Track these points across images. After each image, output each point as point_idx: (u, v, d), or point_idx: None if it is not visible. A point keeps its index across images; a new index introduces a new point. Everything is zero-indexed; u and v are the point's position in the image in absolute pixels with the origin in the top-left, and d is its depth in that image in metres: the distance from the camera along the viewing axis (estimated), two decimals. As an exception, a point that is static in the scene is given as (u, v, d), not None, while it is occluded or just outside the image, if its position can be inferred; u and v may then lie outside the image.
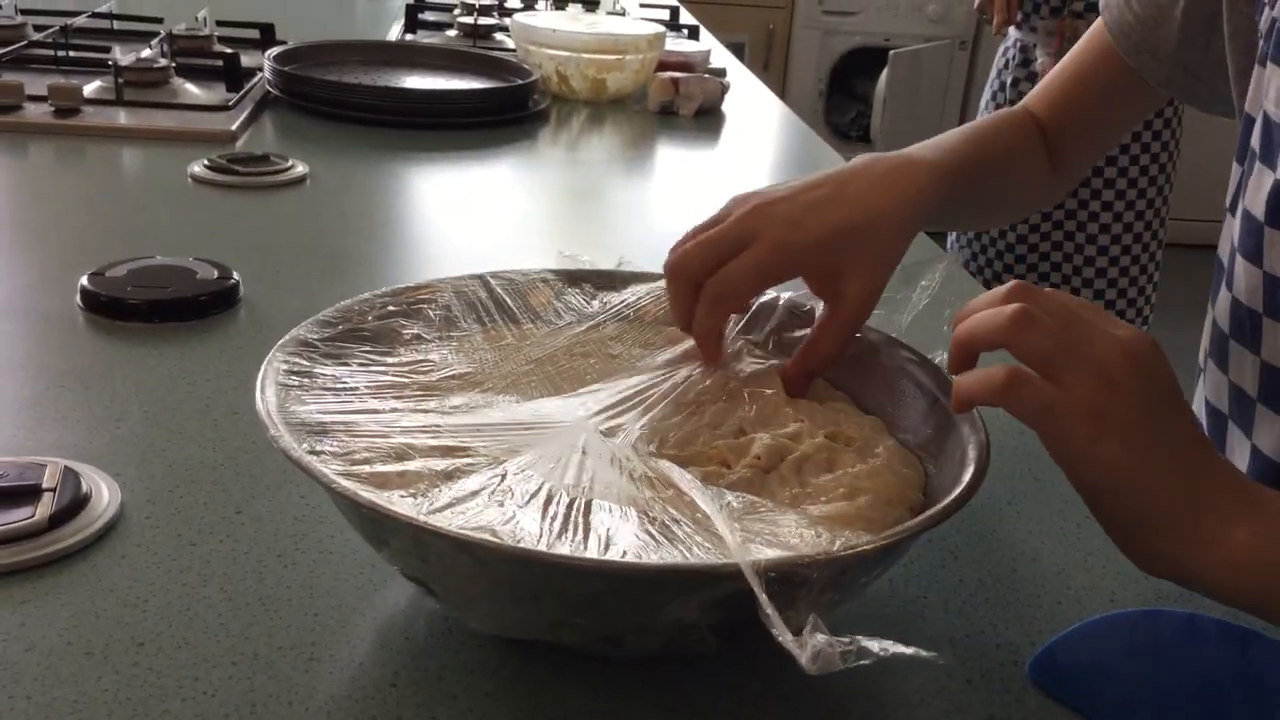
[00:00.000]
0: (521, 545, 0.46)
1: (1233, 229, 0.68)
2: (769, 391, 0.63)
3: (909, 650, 0.42)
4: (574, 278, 0.71)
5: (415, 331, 0.65)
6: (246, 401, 0.72)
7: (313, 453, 0.51)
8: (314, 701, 0.49)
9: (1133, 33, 0.80)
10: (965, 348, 0.53)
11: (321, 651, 0.52)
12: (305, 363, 0.58)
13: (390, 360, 0.62)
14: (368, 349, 0.62)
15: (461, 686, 0.51)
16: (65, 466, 0.61)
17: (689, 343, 0.65)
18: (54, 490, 0.59)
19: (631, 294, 0.70)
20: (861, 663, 0.41)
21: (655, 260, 0.69)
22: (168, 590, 0.55)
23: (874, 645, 0.42)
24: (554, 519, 0.48)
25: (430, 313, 0.66)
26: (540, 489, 0.50)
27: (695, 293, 0.63)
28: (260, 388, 0.54)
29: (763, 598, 0.42)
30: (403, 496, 0.50)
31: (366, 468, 0.51)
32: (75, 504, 0.59)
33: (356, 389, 0.58)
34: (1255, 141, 0.65)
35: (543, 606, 0.48)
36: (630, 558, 0.46)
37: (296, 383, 0.57)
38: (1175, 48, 0.78)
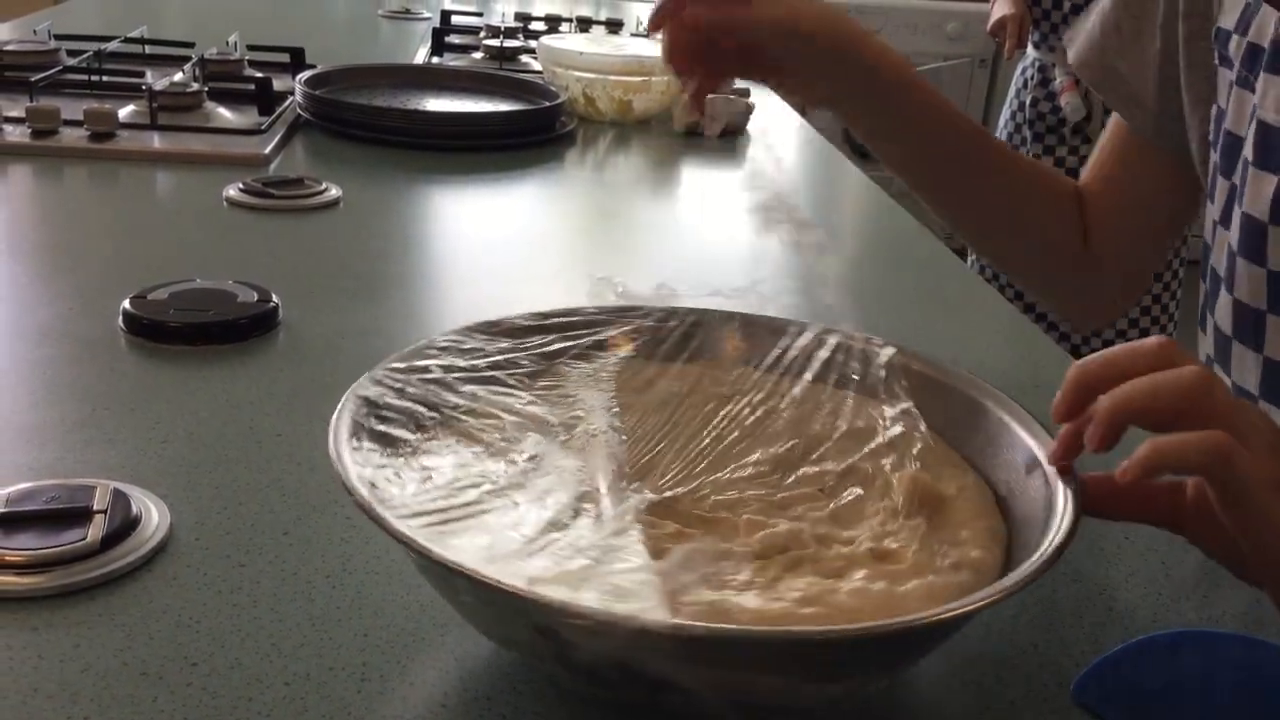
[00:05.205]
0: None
1: (1228, 239, 0.72)
2: (874, 499, 0.57)
3: None
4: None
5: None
6: (289, 424, 0.74)
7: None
8: (366, 722, 0.50)
9: (1120, 86, 0.83)
10: (1137, 418, 0.48)
11: (372, 672, 0.52)
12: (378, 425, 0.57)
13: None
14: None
15: (510, 707, 0.51)
16: (115, 488, 0.62)
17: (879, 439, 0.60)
18: (104, 512, 0.60)
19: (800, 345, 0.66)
20: None
21: (690, 284, 0.69)
22: (219, 611, 0.56)
23: None
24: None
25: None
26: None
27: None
28: (343, 471, 0.51)
29: None
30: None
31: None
32: (126, 526, 0.59)
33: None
34: (1248, 152, 0.69)
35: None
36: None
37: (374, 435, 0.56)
38: (1156, 95, 0.80)
